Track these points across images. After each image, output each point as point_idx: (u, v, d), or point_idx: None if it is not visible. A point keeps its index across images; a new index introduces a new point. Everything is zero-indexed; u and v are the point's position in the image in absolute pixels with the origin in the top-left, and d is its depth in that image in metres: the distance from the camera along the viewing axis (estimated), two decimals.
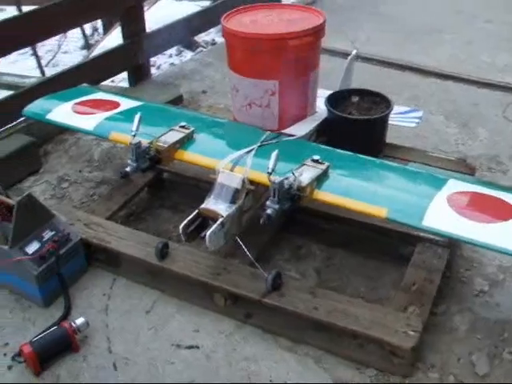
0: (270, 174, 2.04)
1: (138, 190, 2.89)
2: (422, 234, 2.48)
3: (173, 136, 2.43)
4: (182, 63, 4.76)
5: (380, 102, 2.92)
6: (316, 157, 2.22)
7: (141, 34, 4.02)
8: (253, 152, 2.35)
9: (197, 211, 2.19)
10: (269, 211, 2.02)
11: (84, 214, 2.68)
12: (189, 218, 2.17)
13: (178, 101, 3.85)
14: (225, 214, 2.15)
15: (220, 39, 5.58)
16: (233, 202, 2.21)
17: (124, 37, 3.98)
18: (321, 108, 2.96)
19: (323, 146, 2.51)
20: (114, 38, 5.45)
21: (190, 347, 2.26)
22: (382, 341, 2.07)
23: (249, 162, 2.28)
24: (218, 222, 2.12)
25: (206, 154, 2.39)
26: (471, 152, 3.42)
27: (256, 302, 2.24)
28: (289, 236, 2.78)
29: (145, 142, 2.34)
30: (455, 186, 2.18)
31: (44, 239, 2.40)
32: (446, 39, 5.04)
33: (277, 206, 2.03)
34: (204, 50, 5.39)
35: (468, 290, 2.51)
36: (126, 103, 2.83)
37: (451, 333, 2.31)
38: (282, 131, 2.67)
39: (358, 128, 2.77)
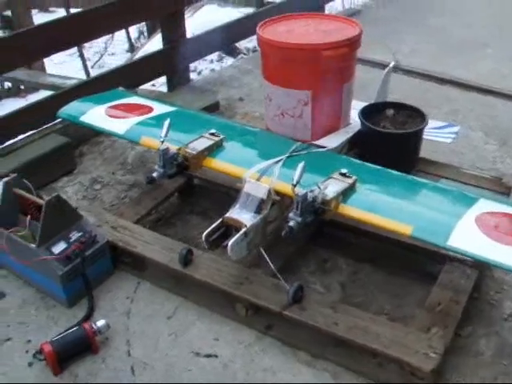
0: (294, 185, 2.02)
1: (167, 195, 2.91)
2: (450, 253, 2.41)
3: (202, 143, 2.43)
4: (221, 69, 4.80)
5: (415, 115, 2.86)
6: (344, 170, 2.19)
7: (180, 40, 4.06)
8: (281, 162, 2.34)
9: (221, 219, 2.18)
10: (291, 223, 2.00)
11: (112, 217, 2.71)
12: (212, 226, 2.16)
13: (214, 107, 3.86)
14: (249, 223, 2.14)
15: None
16: (258, 212, 2.20)
17: (164, 42, 4.04)
18: (355, 120, 2.92)
19: (353, 160, 2.48)
20: (157, 42, 5.53)
21: (209, 356, 2.26)
22: (401, 361, 2.02)
23: (276, 173, 2.27)
24: (241, 232, 2.11)
25: (234, 162, 2.39)
26: (509, 170, 3.32)
27: (276, 314, 2.21)
28: (315, 248, 2.75)
29: (173, 148, 2.35)
30: (485, 205, 2.11)
31: (71, 240, 2.44)
32: (489, 53, 4.92)
33: (299, 219, 2.01)
34: (245, 56, 5.41)
35: (497, 313, 2.43)
36: (159, 108, 2.86)
37: (476, 356, 2.24)
38: (313, 142, 2.64)
39: (391, 142, 2.72)
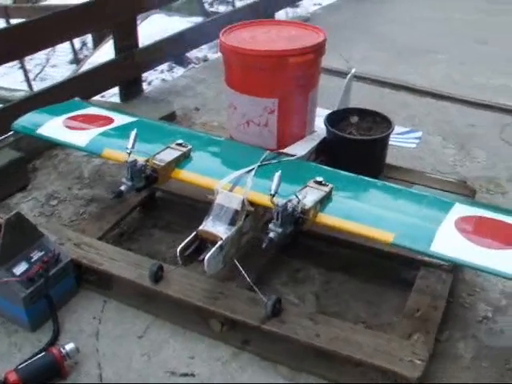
0: (272, 196, 1.96)
1: (130, 209, 2.80)
2: (425, 258, 2.41)
3: (169, 154, 2.35)
4: (174, 79, 4.70)
5: (380, 121, 2.87)
6: (319, 178, 2.15)
7: (134, 49, 3.95)
8: (253, 172, 2.27)
9: (194, 233, 2.10)
10: (271, 235, 1.95)
11: (74, 234, 2.57)
12: (186, 240, 2.08)
13: (170, 118, 3.77)
14: (224, 236, 2.06)
15: (213, 55, 5.54)
16: (232, 223, 2.13)
17: (116, 51, 3.91)
18: (319, 127, 2.90)
19: (325, 167, 2.45)
20: (104, 53, 5.38)
21: (185, 375, 2.16)
22: (386, 369, 1.99)
23: (249, 183, 2.21)
24: (217, 246, 2.03)
25: (204, 173, 2.31)
26: (469, 174, 3.38)
27: (255, 328, 2.14)
28: (286, 259, 2.69)
29: (140, 159, 2.25)
30: (462, 210, 2.12)
31: (32, 260, 2.29)
32: (439, 59, 5.04)
33: (280, 230, 1.95)
34: (196, 66, 5.33)
35: (471, 315, 2.44)
36: (119, 119, 2.75)
37: (456, 360, 2.23)
38: (281, 151, 2.59)
39: (358, 148, 2.71)
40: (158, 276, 2.28)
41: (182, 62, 5.42)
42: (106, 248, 2.50)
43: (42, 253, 2.33)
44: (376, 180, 2.32)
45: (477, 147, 3.67)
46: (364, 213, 2.09)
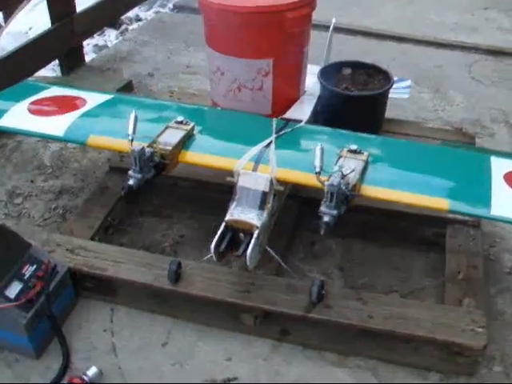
0: (318, 173, 1.73)
1: (118, 198, 2.47)
2: (443, 215, 2.28)
3: (172, 135, 2.04)
4: (115, 44, 4.24)
5: (374, 73, 2.67)
6: (353, 146, 1.93)
7: (72, 15, 3.49)
8: (272, 146, 2.02)
9: (224, 224, 1.84)
10: (326, 219, 1.73)
11: (63, 237, 2.23)
12: (217, 234, 1.82)
13: (128, 88, 3.38)
14: (259, 223, 1.82)
15: (145, 14, 5.08)
16: (261, 207, 1.88)
17: (52, 19, 3.43)
18: (309, 86, 2.67)
19: (343, 131, 2.22)
20: (21, 23, 4.79)
21: (228, 380, 1.94)
22: (451, 343, 1.86)
23: (273, 159, 1.95)
24: (256, 236, 1.79)
25: (217, 152, 2.03)
26: (452, 118, 3.28)
27: (299, 318, 1.94)
28: (298, 232, 2.49)
29: (145, 146, 1.93)
30: (503, 164, 1.98)
31: (25, 277, 1.95)
32: None
33: (335, 212, 1.73)
34: (130, 27, 4.87)
35: (499, 268, 2.36)
36: (92, 98, 2.38)
37: (498, 318, 2.15)
38: (286, 117, 2.34)
39: (360, 105, 2.51)
40: (177, 275, 2.01)
41: (114, 24, 4.92)
42: (105, 249, 2.18)
43: (34, 267, 1.99)
44: (405, 141, 2.14)
45: (451, 89, 3.57)
46: (409, 180, 1.91)
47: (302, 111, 2.42)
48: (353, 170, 1.77)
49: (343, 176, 1.73)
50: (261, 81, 2.40)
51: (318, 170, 1.72)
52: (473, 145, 2.70)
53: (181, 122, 2.10)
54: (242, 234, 1.84)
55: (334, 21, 2.87)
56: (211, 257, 1.88)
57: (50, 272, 2.01)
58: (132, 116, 1.91)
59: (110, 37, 4.86)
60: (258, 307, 1.96)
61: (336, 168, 1.81)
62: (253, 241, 1.77)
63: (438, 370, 1.95)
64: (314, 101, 2.54)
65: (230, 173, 1.96)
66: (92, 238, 2.27)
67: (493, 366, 1.99)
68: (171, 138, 2.02)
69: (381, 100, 2.57)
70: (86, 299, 2.20)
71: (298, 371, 1.97)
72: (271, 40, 2.31)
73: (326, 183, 1.71)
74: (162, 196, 2.68)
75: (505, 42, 4.05)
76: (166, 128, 2.07)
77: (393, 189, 1.84)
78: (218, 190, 2.59)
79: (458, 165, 2.02)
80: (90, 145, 2.15)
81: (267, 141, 2.04)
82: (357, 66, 2.70)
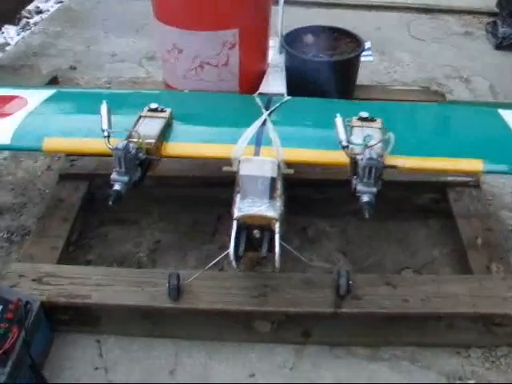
0: (346, 147, 1.49)
1: (78, 209, 2.10)
2: (444, 179, 2.13)
3: (150, 125, 1.70)
4: (24, 39, 3.73)
5: (339, 37, 2.46)
6: (364, 114, 1.70)
7: None
8: (270, 124, 1.75)
9: (236, 222, 1.55)
10: (367, 198, 1.49)
11: (24, 266, 1.84)
12: (232, 236, 1.52)
13: (53, 83, 2.95)
14: (277, 215, 1.55)
15: (45, 5, 4.56)
16: (272, 196, 1.61)
17: None
18: (270, 57, 2.41)
19: (338, 100, 1.98)
20: None
21: None
22: (497, 315, 1.70)
23: (276, 139, 1.69)
24: (278, 230, 1.52)
25: (207, 140, 1.73)
26: (407, 78, 3.16)
27: (327, 315, 1.71)
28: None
29: (121, 141, 1.59)
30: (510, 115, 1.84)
31: None
32: None
33: (375, 190, 1.50)
34: (31, 20, 4.34)
35: (502, 226, 2.24)
36: (31, 96, 1.98)
37: None
38: (263, 91, 2.08)
39: (338, 70, 2.28)
40: (179, 290, 1.71)
41: (12, 19, 4.37)
42: (81, 272, 1.82)
43: (1, 307, 1.62)
44: (407, 104, 1.94)
45: (396, 50, 3.45)
46: (435, 144, 1.71)
47: (276, 84, 2.16)
48: (381, 140, 1.54)
49: (368, 147, 1.50)
50: (226, 55, 2.12)
51: (345, 143, 1.48)
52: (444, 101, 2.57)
53: (155, 110, 1.77)
54: (256, 231, 1.57)
55: None
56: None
57: (22, 311, 1.63)
58: (104, 108, 1.57)
59: (10, 33, 4.32)
60: (280, 311, 1.70)
61: (358, 140, 1.57)
62: (277, 236, 1.51)
63: (477, 346, 1.79)
64: (283, 73, 2.29)
65: (227, 162, 1.67)
66: (59, 261, 1.89)
67: None
68: (149, 128, 1.68)
69: (355, 63, 2.37)
70: (63, 335, 1.83)
71: (332, 374, 1.74)
72: (236, 6, 2.02)
73: (362, 157, 1.47)
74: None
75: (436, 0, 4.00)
76: (140, 118, 1.73)
77: (421, 156, 1.64)
78: (186, 185, 2.31)
79: (474, 122, 1.85)
80: (48, 150, 1.77)
81: (260, 119, 1.77)
82: (317, 31, 2.48)
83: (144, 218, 2.29)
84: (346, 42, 2.42)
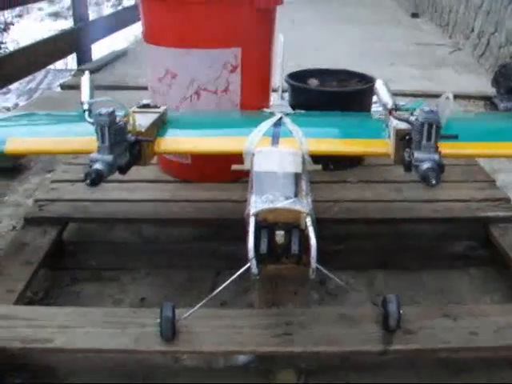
0: (394, 110, 1.20)
1: (44, 254, 1.69)
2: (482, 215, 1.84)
3: (143, 118, 1.38)
4: None
5: (346, 78, 2.26)
6: (401, 102, 1.42)
7: None
8: (287, 119, 1.45)
9: (253, 220, 1.16)
10: (429, 165, 1.16)
11: None
12: (250, 236, 1.13)
13: None
14: (307, 209, 1.18)
15: None
16: (295, 194, 1.25)
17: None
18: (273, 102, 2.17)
19: (347, 112, 1.72)
20: None
21: None
22: None
23: (296, 129, 1.37)
24: (310, 224, 1.15)
25: (211, 134, 1.41)
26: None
27: (377, 354, 1.28)
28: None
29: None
30: None
31: None
32: None
33: (436, 156, 1.18)
34: None
35: None
36: None
37: None
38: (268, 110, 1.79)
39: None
40: (175, 327, 1.27)
41: None
42: (38, 313, 1.39)
43: None
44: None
45: None
46: (487, 129, 1.43)
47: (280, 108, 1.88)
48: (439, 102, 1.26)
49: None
50: (226, 80, 1.87)
51: (391, 106, 1.19)
52: None
53: (147, 106, 1.46)
54: (280, 232, 1.18)
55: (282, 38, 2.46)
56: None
57: None
58: (85, 78, 1.26)
59: None
60: (312, 352, 1.26)
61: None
62: (311, 235, 1.13)
63: None
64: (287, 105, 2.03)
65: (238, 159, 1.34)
66: (16, 303, 1.46)
67: None
68: (141, 121, 1.36)
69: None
70: None
71: None
72: (237, 20, 1.80)
73: (417, 116, 1.17)
74: (98, 255, 1.93)
75: (424, 87, 3.93)
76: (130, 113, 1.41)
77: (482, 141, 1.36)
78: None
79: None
80: (12, 152, 1.40)
81: (275, 117, 1.46)
82: (323, 74, 2.28)
83: (127, 274, 1.89)
84: (355, 82, 2.21)
